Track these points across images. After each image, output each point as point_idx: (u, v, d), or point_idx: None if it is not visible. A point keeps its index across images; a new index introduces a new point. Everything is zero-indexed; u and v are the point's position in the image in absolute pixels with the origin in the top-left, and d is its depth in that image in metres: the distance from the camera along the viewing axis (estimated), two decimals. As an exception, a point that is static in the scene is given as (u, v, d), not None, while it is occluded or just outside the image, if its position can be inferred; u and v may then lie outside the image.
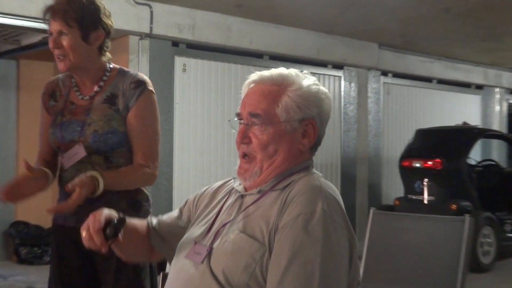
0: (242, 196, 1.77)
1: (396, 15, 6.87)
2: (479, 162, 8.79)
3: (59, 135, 2.48)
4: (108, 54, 2.54)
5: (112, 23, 2.53)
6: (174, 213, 1.99)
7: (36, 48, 6.12)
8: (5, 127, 7.03)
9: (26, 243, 6.93)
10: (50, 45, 2.42)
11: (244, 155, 1.75)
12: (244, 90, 1.79)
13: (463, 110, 10.18)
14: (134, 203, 2.50)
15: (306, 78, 1.77)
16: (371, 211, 3.09)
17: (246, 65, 7.23)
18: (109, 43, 2.54)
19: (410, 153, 7.83)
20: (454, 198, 7.15)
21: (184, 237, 1.85)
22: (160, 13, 6.37)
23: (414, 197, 7.47)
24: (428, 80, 9.59)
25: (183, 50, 6.75)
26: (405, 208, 7.21)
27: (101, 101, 2.47)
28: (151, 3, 6.28)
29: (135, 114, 2.45)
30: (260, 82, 1.76)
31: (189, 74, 6.77)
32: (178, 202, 6.60)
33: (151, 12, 6.30)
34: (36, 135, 2.66)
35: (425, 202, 7.34)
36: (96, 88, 2.50)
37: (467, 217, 2.72)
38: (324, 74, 8.05)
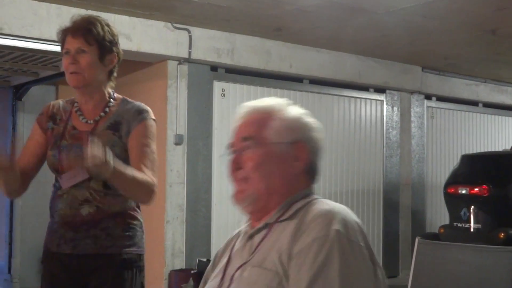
0: (250, 237, 1.77)
1: (440, 37, 6.73)
2: (528, 189, 8.50)
3: (59, 157, 2.53)
4: (113, 84, 2.65)
5: (122, 54, 2.66)
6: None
7: (75, 74, 6.19)
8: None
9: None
10: (67, 61, 2.52)
11: (239, 180, 1.77)
12: (234, 124, 1.83)
13: (510, 134, 9.93)
14: (129, 229, 2.54)
15: (294, 107, 1.82)
16: (417, 240, 3.04)
17: (286, 90, 7.16)
18: (115, 72, 2.65)
19: (455, 179, 7.61)
20: (502, 226, 6.91)
21: None
22: (199, 38, 6.35)
23: (459, 224, 7.25)
24: (473, 103, 9.38)
25: (222, 74, 6.71)
26: (450, 236, 7.02)
27: (105, 127, 2.54)
28: (189, 27, 6.26)
29: (134, 135, 2.53)
30: (248, 113, 1.81)
31: (228, 99, 6.72)
32: (216, 228, 6.53)
33: (190, 37, 6.28)
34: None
35: (471, 230, 7.13)
36: (101, 113, 2.58)
37: (517, 248, 2.62)
38: (365, 98, 7.91)
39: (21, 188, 2.58)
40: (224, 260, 1.84)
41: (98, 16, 2.62)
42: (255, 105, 1.82)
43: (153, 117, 2.61)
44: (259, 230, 1.74)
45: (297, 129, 1.76)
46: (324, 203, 1.69)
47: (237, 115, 1.83)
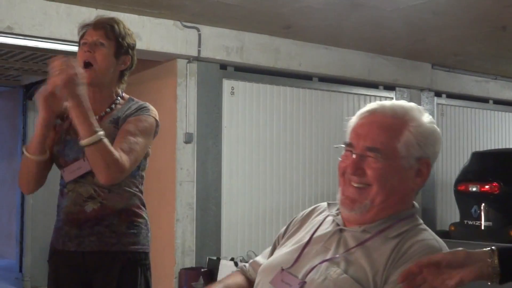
0: (340, 230, 1.69)
1: (450, 34, 6.70)
2: (539, 186, 8.45)
3: (63, 153, 2.53)
4: (123, 86, 2.67)
5: (135, 61, 2.68)
6: (267, 251, 1.93)
7: (85, 73, 6.22)
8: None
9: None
10: (84, 49, 2.52)
11: (354, 186, 1.66)
12: (357, 119, 1.71)
13: (521, 131, 9.87)
14: (134, 227, 2.52)
15: (426, 115, 1.72)
16: (427, 238, 2.97)
17: (295, 87, 7.15)
18: (126, 77, 2.68)
19: (466, 176, 7.60)
20: (513, 224, 6.90)
21: (270, 259, 1.78)
22: (208, 36, 6.35)
23: (470, 222, 7.24)
24: (484, 100, 9.33)
25: (231, 73, 6.71)
26: (461, 234, 7.01)
27: (108, 122, 2.53)
28: (199, 26, 6.26)
29: (125, 124, 2.50)
30: (379, 112, 1.69)
31: (237, 97, 6.71)
32: (226, 226, 6.53)
33: (199, 35, 6.28)
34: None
35: (482, 227, 7.11)
36: (107, 109, 2.58)
37: (530, 245, 2.58)
38: (375, 96, 7.86)
39: (41, 179, 2.56)
40: (299, 236, 1.77)
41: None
42: (390, 106, 1.70)
43: (154, 116, 2.58)
44: (353, 230, 1.67)
45: (428, 145, 1.67)
46: (433, 238, 1.66)
47: (364, 110, 1.72)
